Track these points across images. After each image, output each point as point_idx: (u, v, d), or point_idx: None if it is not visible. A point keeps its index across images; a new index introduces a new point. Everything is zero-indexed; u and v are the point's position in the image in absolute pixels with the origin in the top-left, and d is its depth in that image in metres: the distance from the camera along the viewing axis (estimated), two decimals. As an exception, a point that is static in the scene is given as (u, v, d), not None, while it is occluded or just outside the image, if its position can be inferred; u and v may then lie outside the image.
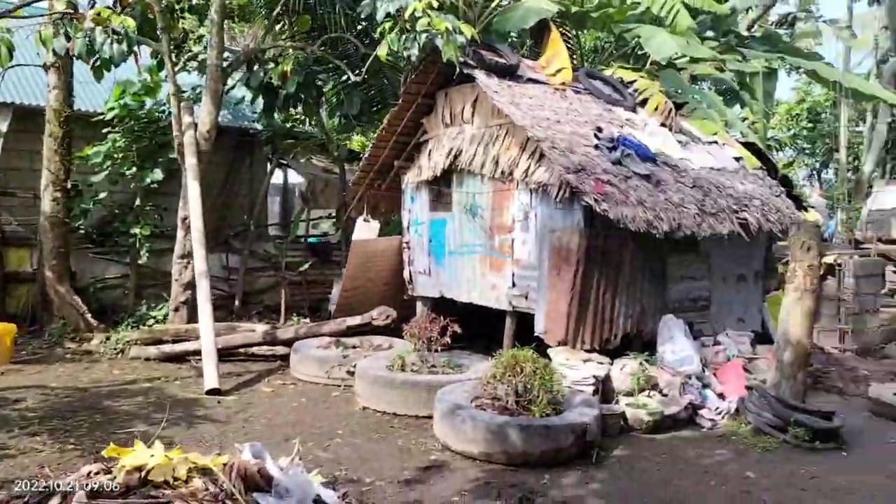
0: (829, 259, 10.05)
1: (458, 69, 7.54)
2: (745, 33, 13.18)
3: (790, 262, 6.24)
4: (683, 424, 6.36)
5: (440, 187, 8.97)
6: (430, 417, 6.13)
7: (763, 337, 8.26)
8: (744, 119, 11.03)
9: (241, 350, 8.98)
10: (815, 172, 30.81)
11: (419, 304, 9.37)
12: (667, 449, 5.82)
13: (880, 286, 10.74)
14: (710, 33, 11.95)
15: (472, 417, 5.51)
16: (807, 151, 29.86)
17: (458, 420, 5.53)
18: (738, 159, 8.41)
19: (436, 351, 7.19)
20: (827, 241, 19.17)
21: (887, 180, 19.73)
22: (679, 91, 9.29)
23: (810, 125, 28.78)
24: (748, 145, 8.78)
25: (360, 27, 11.13)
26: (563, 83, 8.49)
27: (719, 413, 6.44)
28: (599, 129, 7.62)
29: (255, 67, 11.27)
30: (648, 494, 4.85)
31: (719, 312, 7.97)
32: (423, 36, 6.88)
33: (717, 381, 6.86)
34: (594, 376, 6.52)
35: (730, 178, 7.87)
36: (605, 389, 6.57)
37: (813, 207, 22.46)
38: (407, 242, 9.58)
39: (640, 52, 11.38)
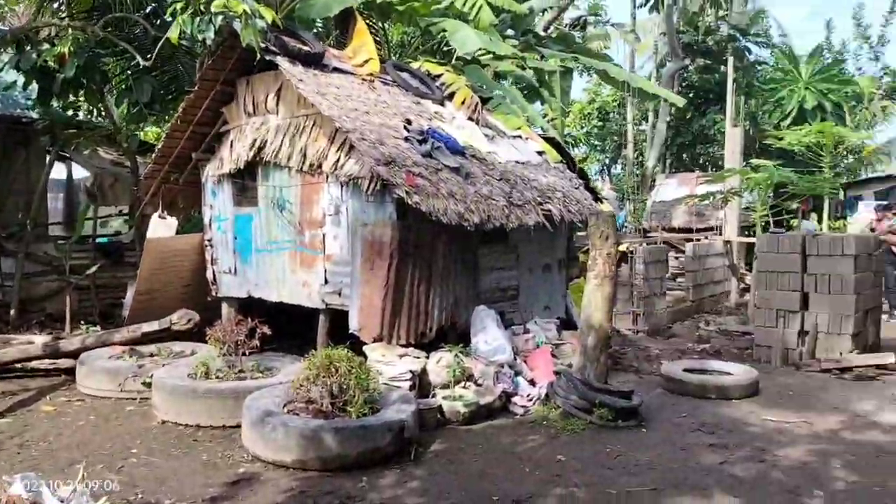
0: (622, 247, 10.73)
1: (259, 55, 7.11)
2: (542, 34, 13.81)
3: (590, 251, 6.52)
4: (498, 413, 6.44)
5: (244, 181, 8.46)
6: (238, 427, 5.72)
7: (567, 323, 8.63)
8: (544, 115, 11.52)
9: (18, 366, 7.91)
10: (605, 167, 33.26)
11: (225, 306, 8.80)
12: (483, 439, 5.85)
13: (665, 271, 11.68)
14: (510, 32, 12.37)
15: (284, 424, 5.18)
16: (598, 148, 32.17)
17: (269, 428, 5.18)
18: (540, 153, 8.72)
19: (244, 355, 6.73)
20: (619, 231, 20.78)
21: (667, 174, 21.66)
22: (483, 86, 9.47)
23: (600, 123, 31.03)
24: (549, 140, 9.15)
25: (149, 7, 10.23)
26: (371, 74, 8.32)
27: (531, 399, 6.59)
28: (409, 122, 7.54)
29: (27, 48, 9.99)
30: (466, 487, 4.81)
31: (528, 301, 8.22)
32: (220, 18, 6.41)
33: (528, 368, 7.04)
34: (411, 371, 6.42)
35: (534, 172, 8.11)
36: (421, 383, 6.49)
37: (606, 199, 24.20)
38: (209, 240, 8.95)
39: (445, 48, 11.50)
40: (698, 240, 13.95)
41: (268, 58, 7.36)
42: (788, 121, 18.01)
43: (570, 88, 11.97)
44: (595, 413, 6.10)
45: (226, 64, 8.13)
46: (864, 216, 17.42)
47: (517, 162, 8.11)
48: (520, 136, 8.79)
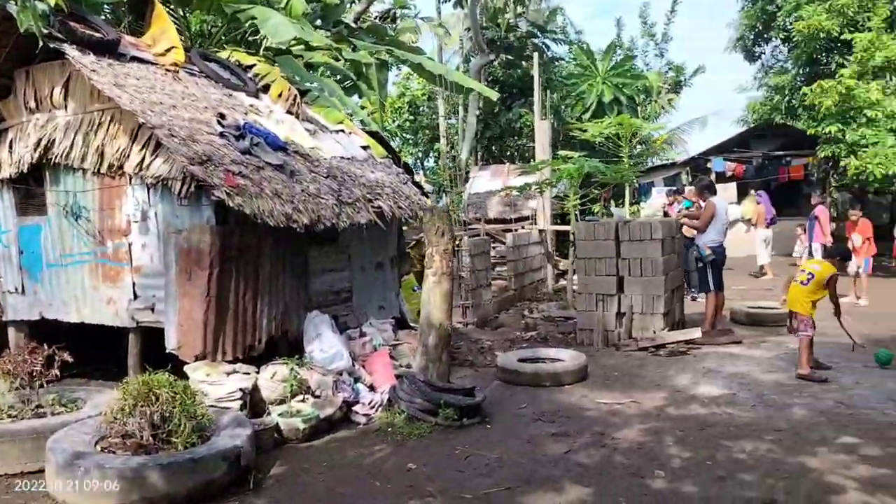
0: (448, 240, 10.72)
1: (41, 43, 6.18)
2: (353, 25, 13.51)
3: (427, 247, 6.36)
4: (340, 425, 6.10)
5: (29, 186, 7.39)
6: (42, 472, 4.92)
7: (402, 322, 8.45)
8: (363, 108, 11.24)
9: None
10: (418, 161, 33.64)
11: (12, 332, 7.67)
12: (327, 456, 5.49)
13: (489, 262, 11.87)
14: (319, 23, 11.94)
15: (100, 465, 4.49)
16: (410, 142, 32.43)
17: (81, 471, 4.47)
18: (365, 148, 8.44)
19: (41, 387, 5.84)
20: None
21: (480, 167, 22.22)
22: (299, 78, 9.01)
23: (411, 117, 31.28)
24: (372, 134, 8.90)
25: None
26: (176, 64, 7.57)
27: (373, 406, 6.32)
28: (223, 116, 6.94)
29: None
30: (316, 512, 4.46)
31: (361, 302, 7.93)
32: (-11, -2, 5.46)
33: (367, 374, 6.77)
34: (241, 389, 5.90)
35: (361, 168, 7.83)
36: (254, 401, 6.00)
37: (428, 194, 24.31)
38: (-12, 256, 7.74)
39: (251, 38, 10.85)
40: (516, 230, 14.36)
41: (52, 45, 6.44)
42: (589, 114, 19.17)
43: (387, 81, 11.81)
44: (440, 414, 5.96)
45: (-1, 52, 7.03)
46: (656, 201, 18.99)
47: (342, 158, 7.77)
48: (343, 131, 8.45)
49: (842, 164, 14.83)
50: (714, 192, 9.98)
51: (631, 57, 21.85)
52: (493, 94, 11.46)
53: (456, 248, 10.79)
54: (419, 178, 28.50)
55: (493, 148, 24.58)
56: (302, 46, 10.54)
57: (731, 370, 7.72)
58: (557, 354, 7.95)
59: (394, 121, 32.05)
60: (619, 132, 13.49)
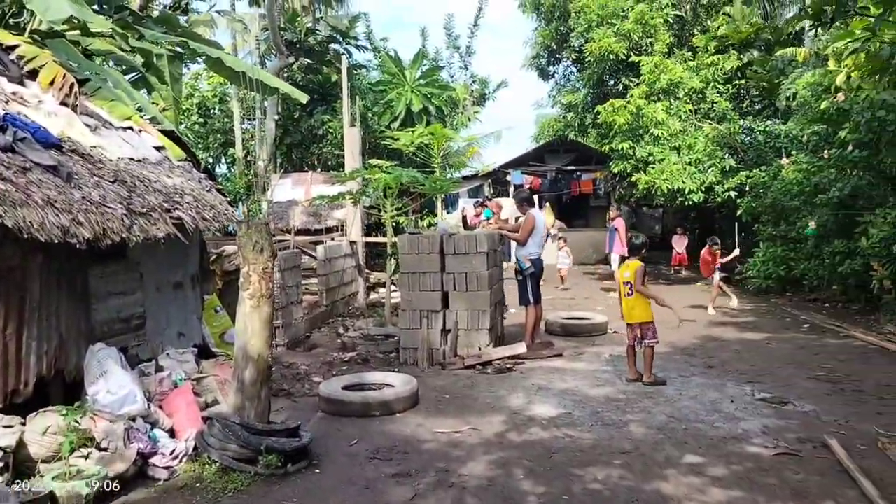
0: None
1: None
2: (140, 13, 11.98)
3: (243, 266, 5.43)
4: (135, 483, 4.99)
5: None
6: None
7: (205, 350, 7.37)
8: (155, 104, 9.88)
9: None
10: (210, 167, 31.47)
11: None
12: (120, 527, 4.41)
13: (300, 277, 10.98)
14: (97, 7, 10.38)
15: None
16: (200, 146, 30.24)
17: None
18: (159, 149, 7.26)
19: None
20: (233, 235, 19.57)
21: (281, 174, 21.07)
22: (76, 65, 7.60)
23: (202, 120, 29.16)
24: (168, 134, 7.71)
25: None
26: None
27: (176, 457, 5.26)
28: (-27, 103, 5.52)
29: None
30: None
31: (157, 329, 6.75)
32: None
33: (167, 417, 5.67)
34: (0, 449, 4.62)
35: (155, 171, 6.67)
36: (19, 462, 4.73)
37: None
38: None
39: (13, 20, 9.12)
40: (326, 241, 13.55)
41: None
42: (398, 122, 18.82)
43: (181, 76, 10.50)
44: (261, 462, 5.07)
45: None
46: (460, 211, 19.09)
47: (132, 159, 6.56)
48: (131, 128, 7.19)
49: (633, 178, 15.70)
50: (533, 205, 9.94)
51: (438, 67, 21.87)
52: (302, 96, 10.63)
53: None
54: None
55: (294, 155, 23.46)
56: (78, 32, 9.03)
57: (561, 386, 7.56)
58: (385, 379, 7.32)
59: (181, 123, 29.71)
60: (432, 142, 13.21)
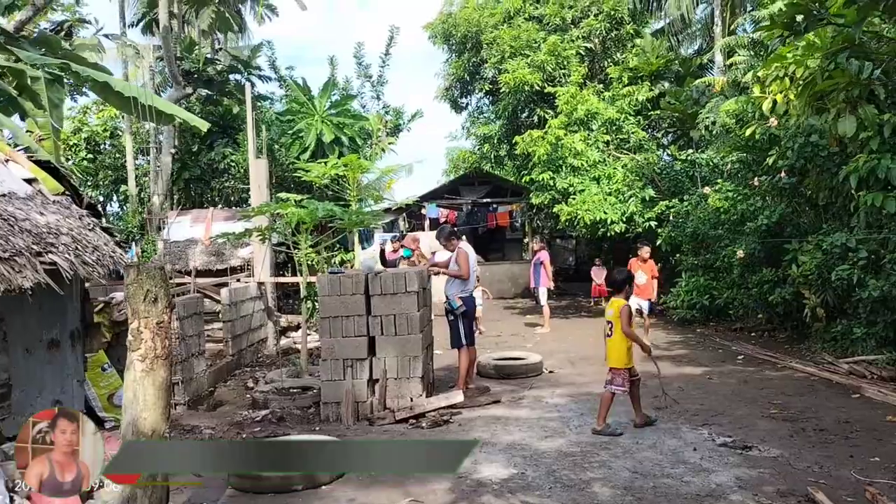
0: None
1: None
2: (13, 34, 10.66)
3: (131, 321, 4.39)
4: None
5: None
6: None
7: (90, 417, 6.15)
8: (29, 132, 8.61)
9: None
10: (99, 206, 29.39)
11: None
12: None
13: (202, 325, 9.81)
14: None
15: None
16: (90, 183, 28.18)
17: None
18: (30, 181, 6.09)
19: None
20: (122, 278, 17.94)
21: (178, 211, 19.65)
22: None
23: (91, 156, 27.19)
24: (43, 164, 6.53)
25: None
26: None
27: (47, 568, 4.12)
28: None
29: None
30: None
31: (27, 399, 5.53)
32: None
33: (37, 512, 4.51)
34: None
35: (24, 208, 5.52)
36: None
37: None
38: None
39: None
40: (229, 283, 12.36)
41: None
42: (308, 154, 17.81)
43: (63, 102, 9.24)
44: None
45: None
46: (377, 247, 18.21)
47: (-7, 194, 5.41)
48: (-6, 157, 6.02)
49: (554, 210, 15.30)
50: (460, 238, 9.22)
51: (350, 96, 20.99)
52: (202, 124, 9.58)
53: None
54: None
55: (193, 191, 22.01)
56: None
57: (507, 439, 6.77)
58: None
59: (68, 159, 27.61)
60: (346, 174, 12.34)
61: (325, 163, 12.54)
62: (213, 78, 21.51)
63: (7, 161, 6.07)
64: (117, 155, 25.80)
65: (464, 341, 8.64)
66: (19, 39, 9.93)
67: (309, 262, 9.56)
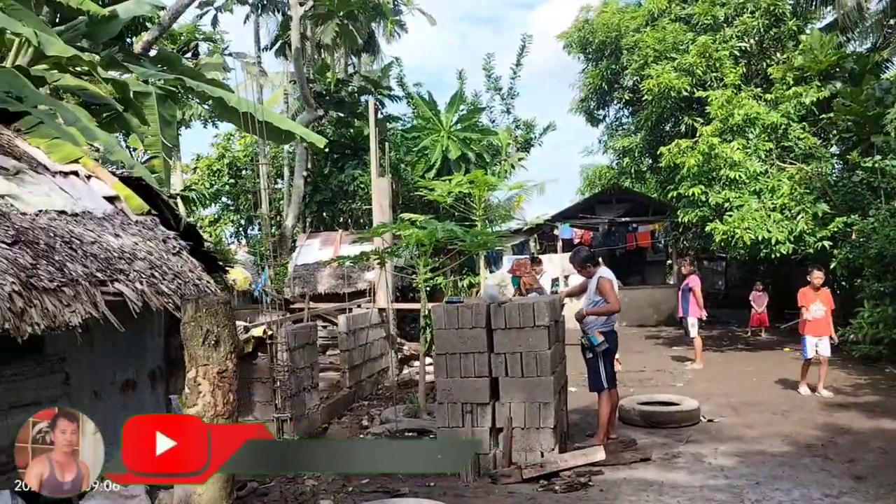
0: (256, 332, 7.86)
1: None
2: (134, 52, 10.57)
3: (188, 368, 3.54)
4: None
5: None
6: None
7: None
8: (134, 150, 8.26)
9: None
10: (241, 229, 30.22)
11: None
12: None
13: (316, 355, 9.08)
14: (85, 43, 8.93)
15: None
16: (231, 208, 29.05)
17: None
18: (112, 200, 5.50)
19: None
20: (257, 303, 17.88)
21: (309, 234, 19.47)
22: (18, 97, 5.96)
23: (232, 181, 28.01)
24: (132, 182, 5.95)
25: None
26: None
27: None
28: None
29: None
30: None
31: (93, 451, 4.83)
32: None
33: None
34: None
35: (96, 228, 4.87)
36: None
37: (241, 264, 20.93)
38: None
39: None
40: (350, 309, 11.66)
41: None
42: (433, 172, 17.06)
43: (175, 119, 8.89)
44: None
45: None
46: (506, 271, 17.15)
47: (62, 213, 4.79)
48: (75, 173, 5.47)
49: (707, 229, 13.58)
50: (598, 264, 7.92)
51: (479, 109, 20.04)
52: (320, 140, 8.99)
53: (269, 341, 7.90)
54: (240, 248, 25.23)
55: (325, 213, 21.87)
56: (45, 66, 7.53)
57: (662, 516, 5.42)
58: (415, 509, 5.26)
59: (211, 184, 28.62)
60: (472, 191, 11.34)
61: (450, 180, 11.60)
62: (345, 100, 21.33)
63: (90, 177, 5.51)
64: (256, 179, 26.33)
65: (605, 384, 7.35)
66: (140, 58, 9.74)
67: (428, 287, 8.58)
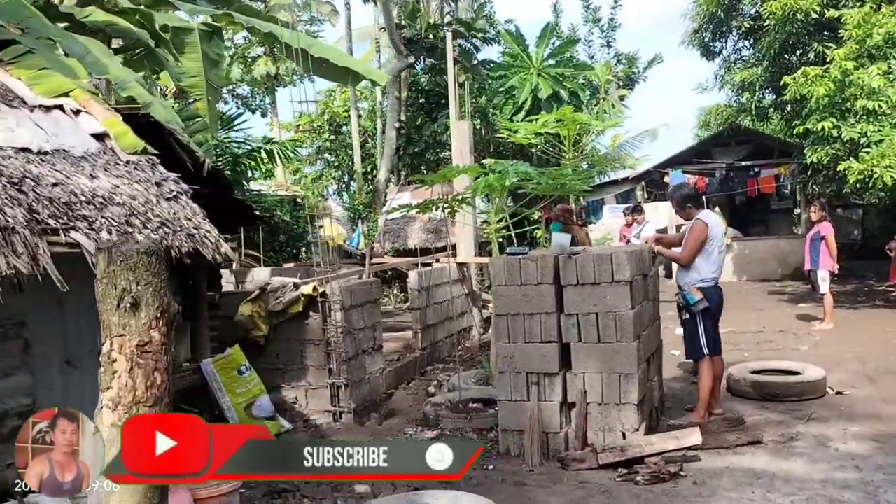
0: (306, 289, 7.11)
1: None
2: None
3: (103, 340, 2.72)
4: None
5: None
6: None
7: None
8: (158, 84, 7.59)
9: None
10: (343, 184, 30.10)
11: None
12: None
13: (379, 316, 8.27)
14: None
15: None
16: (333, 164, 28.90)
17: None
18: (102, 137, 4.77)
19: None
20: (351, 257, 17.37)
21: (399, 187, 18.74)
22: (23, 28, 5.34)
23: (333, 137, 27.77)
24: (134, 118, 5.19)
25: None
26: None
27: None
28: None
29: None
30: None
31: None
32: None
33: None
34: None
35: (66, 168, 4.15)
36: None
37: (336, 219, 20.47)
38: None
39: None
40: (427, 264, 10.78)
41: None
42: (522, 114, 15.73)
43: (223, 59, 8.19)
44: None
45: None
46: (610, 221, 15.74)
47: (22, 150, 4.08)
48: (60, 107, 4.77)
49: (839, 168, 11.69)
50: (701, 205, 6.60)
51: (573, 41, 18.31)
52: (381, 77, 8.10)
53: (321, 299, 7.12)
54: (337, 204, 24.90)
55: (420, 165, 21.07)
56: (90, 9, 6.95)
57: (770, 522, 4.23)
58: (454, 504, 4.32)
59: (313, 142, 28.49)
60: (561, 131, 10.08)
61: (535, 119, 10.38)
62: (437, 45, 20.26)
63: (78, 112, 4.80)
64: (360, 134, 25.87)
65: (705, 350, 6.11)
66: (195, -7, 9.08)
67: (500, 239, 7.53)
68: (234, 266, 12.92)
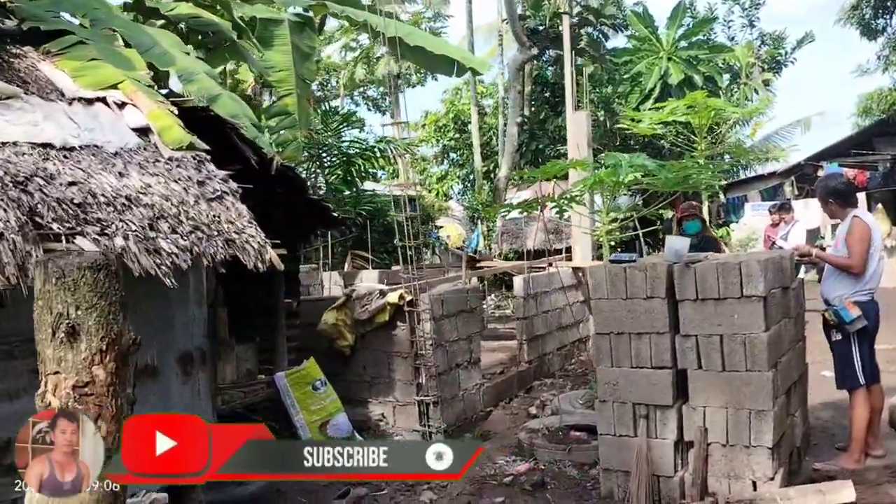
0: (392, 297, 6.51)
1: None
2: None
3: (40, 377, 2.18)
4: None
5: None
6: None
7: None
8: (240, 80, 7.22)
9: None
10: (468, 184, 29.70)
11: None
12: None
13: (479, 326, 7.56)
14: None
15: None
16: (458, 163, 28.54)
17: None
18: (144, 132, 4.35)
19: None
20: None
21: (519, 186, 17.93)
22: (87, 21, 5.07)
23: (457, 135, 27.40)
24: (188, 112, 4.73)
25: None
26: None
27: None
28: None
29: None
30: None
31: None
32: None
33: None
34: None
35: (93, 165, 3.72)
36: None
37: (456, 220, 19.92)
38: None
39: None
40: (540, 268, 9.94)
41: None
42: (651, 102, 14.45)
43: (315, 51, 7.76)
44: None
45: None
46: (753, 220, 14.14)
47: (44, 146, 3.69)
48: (102, 100, 4.39)
49: None
50: (850, 203, 5.36)
51: (708, 20, 16.55)
52: (483, 65, 7.40)
53: (407, 308, 6.50)
54: (457, 204, 24.40)
55: (543, 162, 20.16)
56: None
57: None
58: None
59: (438, 141, 28.25)
60: (692, 120, 8.92)
61: (662, 107, 9.27)
62: (561, 35, 19.28)
63: (123, 104, 4.41)
64: (483, 131, 25.34)
65: (861, 379, 4.94)
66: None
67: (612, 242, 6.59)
68: (345, 268, 12.67)
